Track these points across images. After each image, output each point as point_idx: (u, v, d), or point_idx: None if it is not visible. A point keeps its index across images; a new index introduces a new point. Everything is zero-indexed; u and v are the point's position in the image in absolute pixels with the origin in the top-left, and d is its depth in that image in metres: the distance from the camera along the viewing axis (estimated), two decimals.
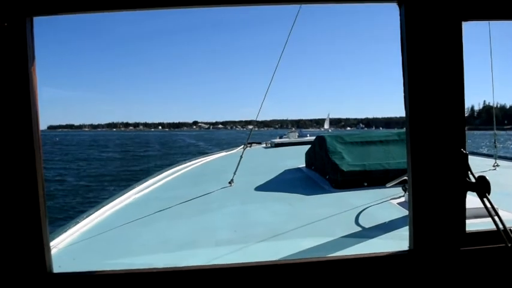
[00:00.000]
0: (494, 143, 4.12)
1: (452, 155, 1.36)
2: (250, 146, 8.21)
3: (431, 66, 1.34)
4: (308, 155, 4.42)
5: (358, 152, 3.66)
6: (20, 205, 1.19)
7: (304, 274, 1.34)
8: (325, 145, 3.71)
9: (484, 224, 1.41)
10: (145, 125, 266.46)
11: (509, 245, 1.29)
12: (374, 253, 1.41)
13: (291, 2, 1.37)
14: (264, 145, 8.85)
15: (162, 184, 3.89)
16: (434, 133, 1.36)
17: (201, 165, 5.30)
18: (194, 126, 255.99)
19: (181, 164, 5.03)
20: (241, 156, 3.80)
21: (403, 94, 1.41)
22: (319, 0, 1.37)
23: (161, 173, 4.32)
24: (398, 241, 1.56)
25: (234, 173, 3.59)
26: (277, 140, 9.56)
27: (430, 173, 1.36)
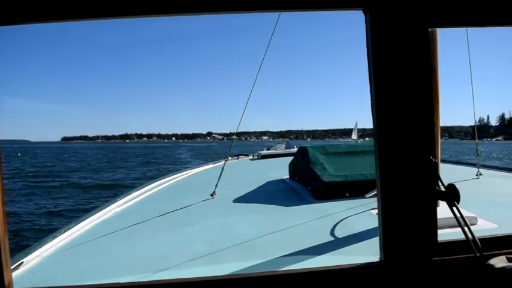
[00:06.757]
0: (477, 151, 4.09)
1: (421, 163, 1.35)
2: (237, 158, 8.24)
3: (398, 73, 1.33)
4: (291, 166, 4.40)
5: (340, 163, 3.63)
6: None
7: (274, 287, 1.31)
8: (307, 156, 3.69)
9: (459, 234, 1.38)
10: (159, 136, 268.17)
11: (478, 254, 1.27)
12: (344, 265, 1.38)
13: (266, 10, 1.35)
14: (251, 157, 8.83)
15: (145, 197, 3.83)
16: (402, 141, 1.34)
17: (185, 177, 5.25)
18: (208, 138, 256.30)
19: (166, 177, 4.97)
20: (222, 168, 3.76)
21: (370, 102, 1.38)
22: (291, 8, 1.35)
23: (145, 186, 4.26)
24: (372, 251, 1.54)
25: (216, 185, 3.56)
26: (264, 152, 9.53)
27: (399, 182, 1.35)
